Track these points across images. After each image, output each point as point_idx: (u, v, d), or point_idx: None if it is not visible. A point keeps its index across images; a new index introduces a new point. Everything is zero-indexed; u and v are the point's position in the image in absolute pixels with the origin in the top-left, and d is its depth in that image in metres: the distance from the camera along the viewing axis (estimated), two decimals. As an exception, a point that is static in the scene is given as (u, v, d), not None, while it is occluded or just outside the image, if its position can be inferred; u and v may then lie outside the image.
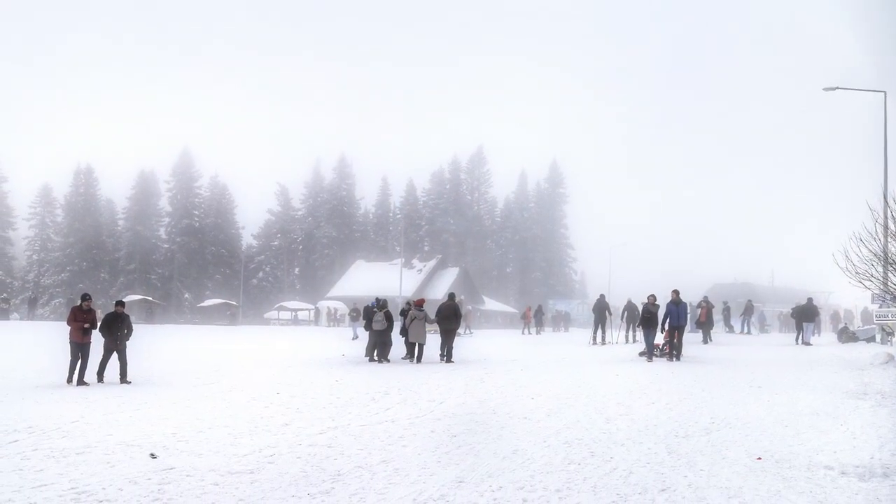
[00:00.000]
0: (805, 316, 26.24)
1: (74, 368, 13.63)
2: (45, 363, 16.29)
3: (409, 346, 18.75)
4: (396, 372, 14.31)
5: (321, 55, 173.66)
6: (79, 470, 7.24)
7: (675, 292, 19.20)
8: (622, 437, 8.46)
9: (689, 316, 21.36)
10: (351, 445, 8.13)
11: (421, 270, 74.42)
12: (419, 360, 18.25)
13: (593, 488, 6.56)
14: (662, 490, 6.59)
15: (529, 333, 40.37)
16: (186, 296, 78.87)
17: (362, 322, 20.63)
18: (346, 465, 7.42)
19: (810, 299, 27.40)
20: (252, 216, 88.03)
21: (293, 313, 64.28)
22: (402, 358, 18.78)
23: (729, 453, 7.70)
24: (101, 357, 14.01)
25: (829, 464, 7.28)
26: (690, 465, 7.32)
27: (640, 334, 22.58)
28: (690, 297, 28.37)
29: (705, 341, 26.69)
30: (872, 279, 17.84)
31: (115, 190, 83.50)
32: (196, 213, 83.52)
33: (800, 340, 25.95)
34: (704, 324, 27.82)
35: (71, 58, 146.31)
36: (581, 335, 33.91)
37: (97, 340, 14.02)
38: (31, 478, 6.95)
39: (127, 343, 14.31)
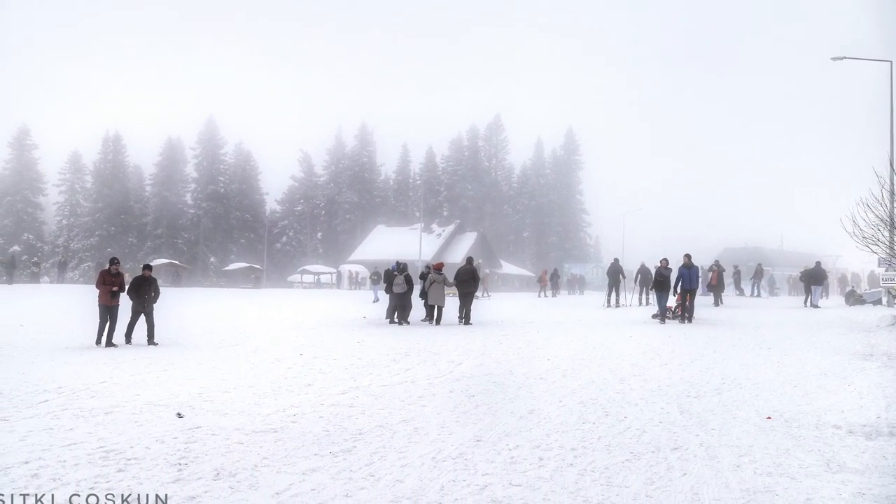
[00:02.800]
0: (814, 279, 26.25)
1: (103, 330, 13.94)
2: (74, 325, 16.65)
3: (429, 309, 18.94)
4: (416, 334, 14.52)
5: (342, 25, 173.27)
6: (107, 429, 7.47)
7: (687, 256, 19.32)
8: (635, 397, 8.60)
9: (700, 279, 21.50)
10: (372, 405, 8.31)
11: (440, 235, 74.68)
12: (438, 322, 18.45)
13: (607, 447, 6.71)
14: (675, 448, 6.74)
15: (545, 296, 40.52)
16: (212, 260, 79.67)
17: (383, 285, 20.87)
18: (367, 424, 7.60)
19: (819, 263, 27.38)
20: (276, 182, 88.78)
21: (316, 277, 64.75)
22: (422, 320, 18.99)
23: (739, 413, 7.83)
24: (128, 319, 14.30)
25: (836, 423, 7.39)
26: (702, 425, 7.47)
27: (653, 297, 22.70)
28: (702, 261, 28.42)
29: (716, 304, 26.79)
30: (879, 243, 18.05)
31: (143, 157, 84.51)
32: (221, 179, 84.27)
33: (808, 303, 25.97)
34: (715, 287, 27.95)
35: (100, 27, 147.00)
36: (596, 298, 33.98)
37: (125, 303, 14.29)
38: (61, 437, 7.18)
39: (154, 306, 14.60)
